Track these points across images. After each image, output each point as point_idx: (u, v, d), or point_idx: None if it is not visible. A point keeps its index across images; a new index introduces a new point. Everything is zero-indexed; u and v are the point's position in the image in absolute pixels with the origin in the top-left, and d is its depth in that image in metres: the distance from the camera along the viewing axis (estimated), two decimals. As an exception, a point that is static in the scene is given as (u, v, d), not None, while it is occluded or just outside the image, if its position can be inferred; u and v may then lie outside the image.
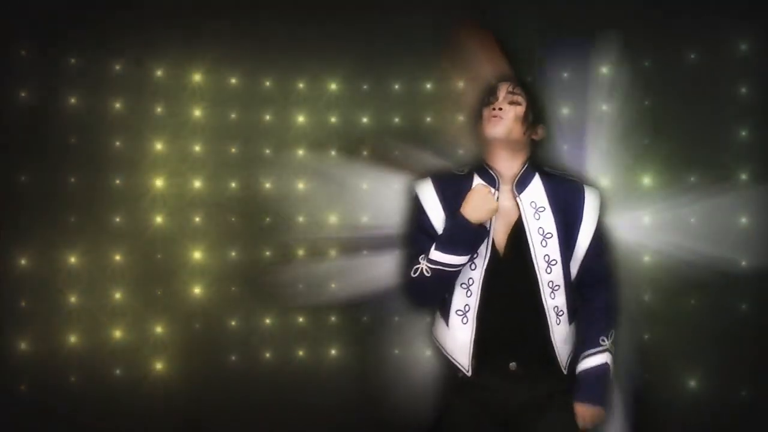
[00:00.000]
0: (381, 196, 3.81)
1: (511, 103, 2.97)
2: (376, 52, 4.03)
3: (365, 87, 4.14)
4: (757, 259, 3.62)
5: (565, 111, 3.76)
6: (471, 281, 2.94)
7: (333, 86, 4.15)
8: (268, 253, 4.12)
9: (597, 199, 3.02)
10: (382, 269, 3.48)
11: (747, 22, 3.68)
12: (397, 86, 4.13)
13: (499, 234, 2.96)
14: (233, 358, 4.14)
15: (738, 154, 3.71)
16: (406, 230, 3.08)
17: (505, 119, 2.95)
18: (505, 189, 2.98)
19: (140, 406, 3.94)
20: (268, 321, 4.15)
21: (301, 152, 4.13)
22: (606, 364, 2.97)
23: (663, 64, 3.79)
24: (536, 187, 2.99)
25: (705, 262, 3.62)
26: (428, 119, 4.09)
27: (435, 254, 2.89)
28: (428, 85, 4.09)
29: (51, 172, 3.93)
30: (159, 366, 4.04)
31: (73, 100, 3.96)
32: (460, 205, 2.90)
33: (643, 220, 3.73)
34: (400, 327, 3.98)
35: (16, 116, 3.86)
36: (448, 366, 3.00)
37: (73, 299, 3.97)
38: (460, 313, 2.94)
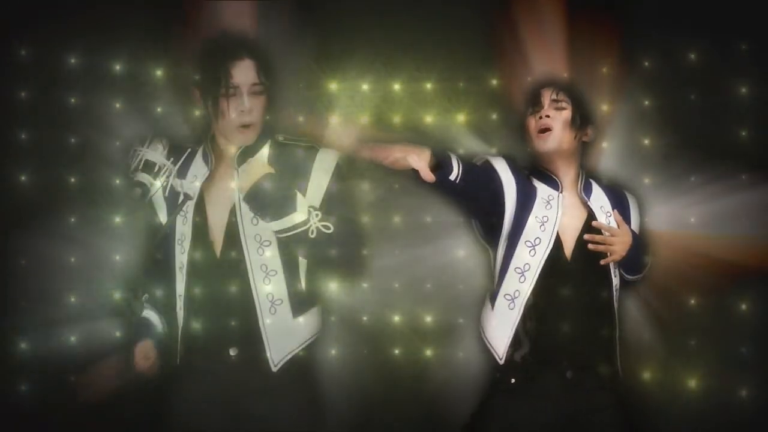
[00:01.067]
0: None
1: (557, 109, 2.93)
2: (377, 52, 4.03)
3: (365, 87, 4.15)
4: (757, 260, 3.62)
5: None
6: (527, 267, 2.84)
7: (332, 86, 4.15)
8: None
9: (637, 206, 3.02)
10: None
11: (747, 22, 3.68)
12: (397, 86, 4.13)
13: (568, 238, 2.90)
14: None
15: (738, 154, 3.71)
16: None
17: (554, 130, 2.90)
18: (568, 193, 2.94)
19: (141, 407, 3.93)
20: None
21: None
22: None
23: (663, 64, 3.79)
24: (599, 192, 2.97)
25: (705, 262, 3.62)
26: (428, 119, 4.09)
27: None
28: (428, 85, 4.09)
29: (51, 172, 3.93)
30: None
31: (73, 100, 3.96)
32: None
33: (643, 220, 3.73)
34: (401, 327, 3.98)
35: (16, 116, 3.86)
36: (498, 369, 2.89)
37: (73, 299, 3.97)
38: (508, 297, 2.84)
